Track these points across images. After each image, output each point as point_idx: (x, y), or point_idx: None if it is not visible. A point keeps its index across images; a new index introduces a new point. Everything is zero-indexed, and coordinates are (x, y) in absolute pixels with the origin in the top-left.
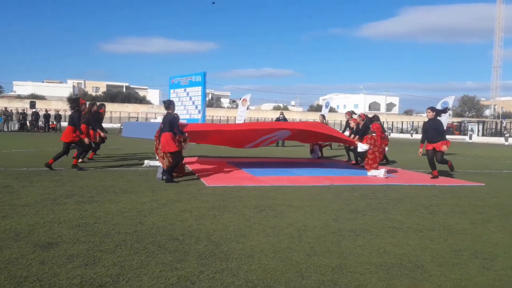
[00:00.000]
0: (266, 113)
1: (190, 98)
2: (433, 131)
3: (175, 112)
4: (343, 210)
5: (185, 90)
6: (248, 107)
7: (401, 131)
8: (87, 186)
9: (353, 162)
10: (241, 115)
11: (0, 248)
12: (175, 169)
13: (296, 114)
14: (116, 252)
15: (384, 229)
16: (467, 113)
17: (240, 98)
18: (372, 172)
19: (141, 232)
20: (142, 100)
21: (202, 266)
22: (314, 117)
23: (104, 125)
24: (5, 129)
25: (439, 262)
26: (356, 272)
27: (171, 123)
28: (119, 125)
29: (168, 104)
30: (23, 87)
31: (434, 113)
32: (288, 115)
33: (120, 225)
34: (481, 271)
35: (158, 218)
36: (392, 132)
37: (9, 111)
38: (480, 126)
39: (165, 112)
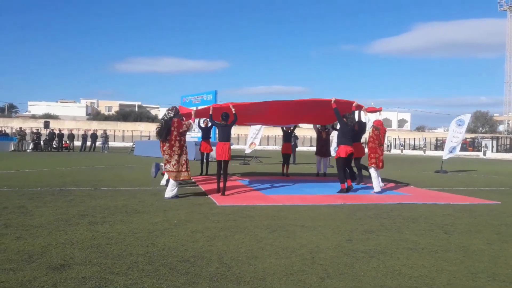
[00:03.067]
0: (276, 130)
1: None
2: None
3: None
4: (357, 231)
5: (196, 108)
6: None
7: (414, 148)
8: (100, 206)
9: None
10: (256, 133)
11: (13, 270)
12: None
13: (307, 131)
14: (128, 274)
15: (399, 250)
16: (480, 129)
17: None
18: (371, 170)
19: (152, 254)
20: (154, 119)
21: None
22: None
23: (117, 144)
24: (20, 149)
25: (455, 285)
26: None
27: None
28: (132, 143)
29: (226, 117)
30: (37, 107)
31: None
32: (298, 132)
33: (132, 246)
34: None
35: (169, 239)
36: (404, 149)
37: (23, 130)
38: (494, 142)
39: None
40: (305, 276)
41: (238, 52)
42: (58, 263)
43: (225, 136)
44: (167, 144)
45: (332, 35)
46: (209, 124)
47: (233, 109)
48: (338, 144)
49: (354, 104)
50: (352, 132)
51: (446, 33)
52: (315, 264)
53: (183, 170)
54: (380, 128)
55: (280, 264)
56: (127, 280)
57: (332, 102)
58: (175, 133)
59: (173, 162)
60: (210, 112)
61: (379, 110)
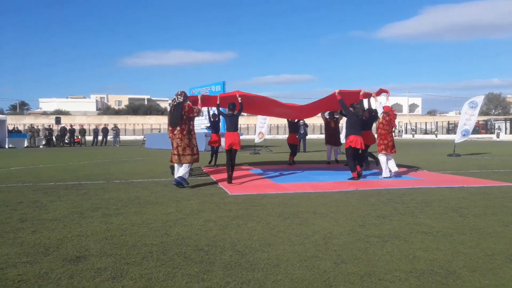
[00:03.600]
0: (283, 119)
1: (211, 108)
2: None
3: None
4: (370, 216)
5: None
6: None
7: (425, 132)
8: (113, 199)
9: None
10: (263, 123)
11: (30, 263)
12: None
13: (316, 119)
14: (142, 264)
15: (413, 234)
16: (493, 111)
17: None
18: (381, 156)
19: (166, 243)
20: (164, 112)
21: (228, 276)
22: None
23: (128, 137)
24: (33, 145)
25: (472, 268)
26: (386, 279)
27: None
28: (142, 137)
29: (233, 107)
30: (48, 104)
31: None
32: (308, 120)
33: (146, 237)
34: None
35: (183, 229)
36: (416, 133)
37: (34, 127)
38: (508, 124)
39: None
40: (319, 262)
41: (246, 42)
42: (74, 255)
43: (233, 126)
44: (178, 129)
45: (341, 21)
46: (217, 118)
47: (239, 98)
48: (347, 134)
49: (361, 93)
50: (361, 121)
51: (455, 15)
52: (328, 250)
53: (193, 153)
54: (390, 113)
55: (293, 251)
56: (142, 270)
57: (336, 94)
58: (184, 117)
59: (184, 146)
60: (218, 102)
61: (386, 92)
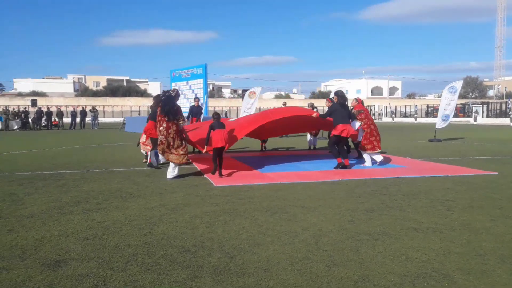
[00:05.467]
0: (268, 102)
1: (193, 91)
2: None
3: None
4: (358, 210)
5: (187, 83)
6: (255, 99)
7: (405, 115)
8: (93, 191)
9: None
10: (249, 107)
11: (6, 269)
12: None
13: (298, 102)
14: (127, 270)
15: (403, 231)
16: (470, 94)
17: (246, 90)
18: (366, 155)
19: (151, 244)
20: (143, 93)
21: (218, 283)
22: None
23: (107, 120)
24: (7, 128)
25: (466, 270)
26: (381, 285)
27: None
28: (122, 119)
29: (218, 116)
30: (23, 85)
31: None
32: (290, 103)
33: (129, 236)
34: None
35: (168, 226)
36: (395, 117)
37: (7, 109)
38: (485, 108)
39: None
40: (311, 265)
41: (227, 22)
42: (53, 259)
43: (221, 124)
44: (164, 125)
45: (322, 3)
46: (200, 102)
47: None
48: (335, 123)
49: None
50: (347, 111)
51: None
52: (319, 250)
53: (182, 153)
54: (363, 110)
55: (283, 252)
56: (126, 277)
57: (314, 116)
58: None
59: (177, 144)
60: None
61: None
